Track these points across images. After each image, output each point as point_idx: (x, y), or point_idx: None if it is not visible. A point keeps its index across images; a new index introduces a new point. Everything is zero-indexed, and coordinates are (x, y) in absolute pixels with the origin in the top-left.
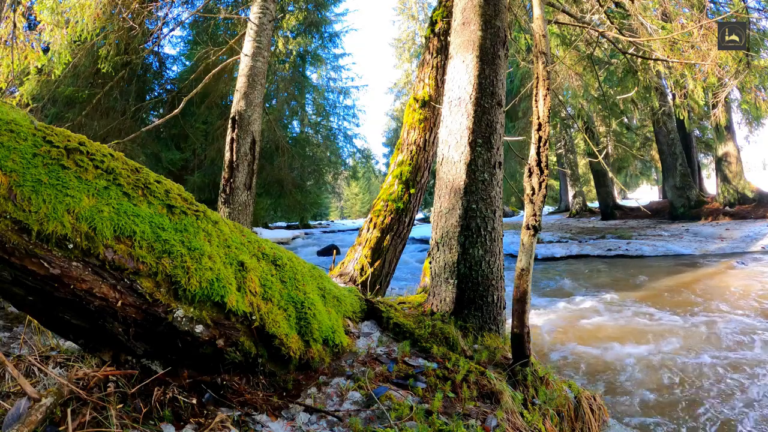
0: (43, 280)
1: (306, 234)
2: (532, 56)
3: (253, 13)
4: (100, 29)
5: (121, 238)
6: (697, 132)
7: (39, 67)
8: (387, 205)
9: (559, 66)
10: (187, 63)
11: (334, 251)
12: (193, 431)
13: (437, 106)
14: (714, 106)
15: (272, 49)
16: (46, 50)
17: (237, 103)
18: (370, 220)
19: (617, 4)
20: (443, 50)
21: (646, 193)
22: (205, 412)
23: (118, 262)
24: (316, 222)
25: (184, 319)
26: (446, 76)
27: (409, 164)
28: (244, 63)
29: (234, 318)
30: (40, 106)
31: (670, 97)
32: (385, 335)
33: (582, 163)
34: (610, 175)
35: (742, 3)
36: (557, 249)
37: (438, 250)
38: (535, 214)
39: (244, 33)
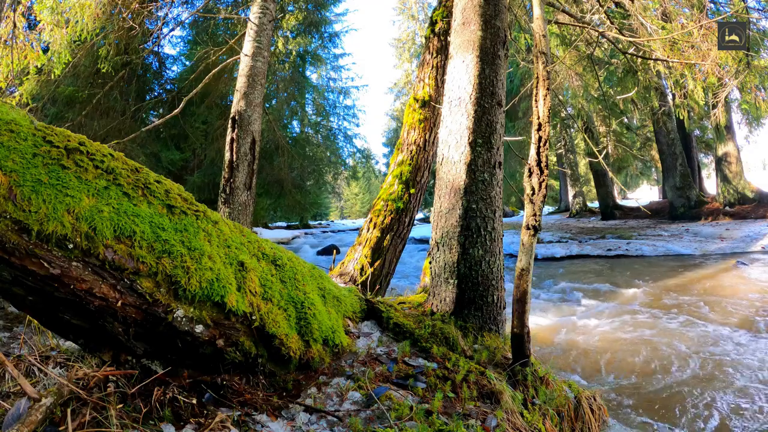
0: (43, 280)
1: (306, 234)
2: (532, 56)
3: (253, 13)
4: (100, 29)
5: (121, 238)
6: (697, 132)
7: (39, 66)
8: (387, 205)
9: (559, 66)
10: (187, 63)
11: (334, 251)
12: (193, 431)
13: (437, 106)
14: (714, 106)
15: (272, 49)
16: (46, 50)
17: (237, 103)
18: (370, 220)
19: (617, 4)
20: (443, 50)
21: (646, 193)
22: (205, 412)
23: (118, 262)
24: (316, 222)
25: (184, 319)
26: (446, 76)
27: (409, 164)
28: (244, 63)
29: (234, 318)
30: (40, 106)
31: (670, 97)
32: (385, 335)
33: (582, 163)
34: (610, 175)
35: (742, 3)
36: (557, 249)
37: (438, 250)
38: (535, 214)
39: (244, 33)
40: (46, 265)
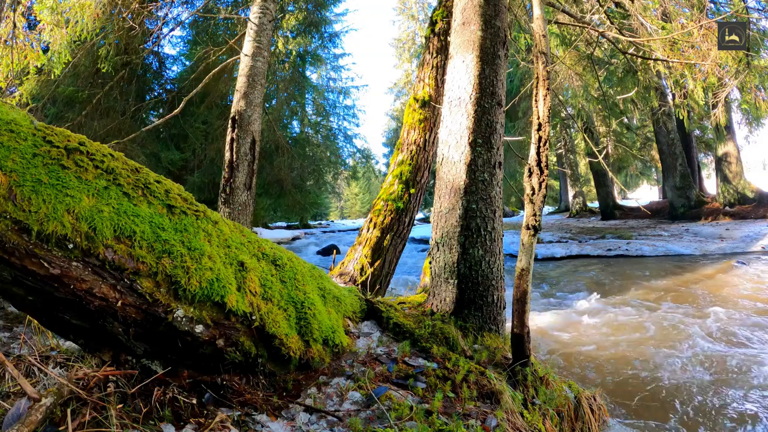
0: (43, 280)
1: (306, 234)
2: (532, 56)
3: (253, 13)
4: (100, 29)
5: (121, 238)
6: (697, 132)
7: (39, 66)
8: (387, 205)
9: (559, 66)
10: (187, 63)
11: (334, 251)
12: (193, 431)
13: (437, 106)
14: (714, 106)
15: (272, 49)
16: (46, 50)
17: (237, 103)
18: (370, 220)
19: (617, 4)
20: (443, 50)
21: (646, 193)
22: (205, 412)
23: (118, 262)
24: (316, 222)
25: (184, 319)
26: (446, 76)
27: (409, 164)
28: (244, 63)
29: (234, 318)
30: (40, 106)
31: (670, 97)
32: (385, 335)
33: (582, 163)
34: (610, 175)
35: (742, 3)
36: (557, 249)
37: (438, 250)
38: (535, 214)
39: (244, 33)
40: (46, 265)
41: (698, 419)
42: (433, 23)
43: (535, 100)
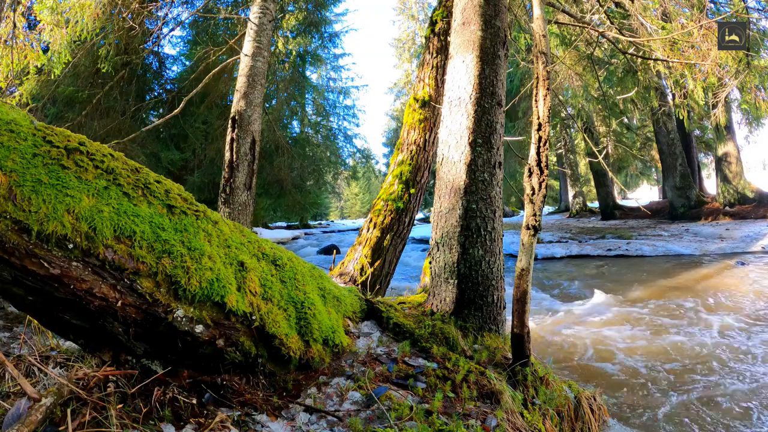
0: (43, 280)
1: (306, 234)
2: (532, 56)
3: (253, 13)
4: (100, 29)
5: (121, 238)
6: (697, 132)
7: (39, 66)
8: (387, 205)
9: (559, 66)
10: (187, 63)
11: (334, 251)
12: (193, 431)
13: (437, 106)
14: (714, 106)
15: (272, 49)
16: (46, 50)
17: (237, 103)
18: (370, 220)
19: (617, 4)
20: (443, 50)
21: (646, 193)
22: (205, 412)
23: (118, 262)
24: (316, 222)
25: (184, 319)
26: (446, 76)
27: (409, 164)
28: (244, 63)
29: (234, 318)
30: (40, 106)
31: (670, 97)
32: (385, 335)
33: (582, 163)
34: (610, 175)
35: (742, 3)
36: (557, 249)
37: (438, 250)
38: (535, 214)
39: (244, 33)
40: (46, 265)
41: (697, 419)
42: (433, 23)
43: (535, 100)
